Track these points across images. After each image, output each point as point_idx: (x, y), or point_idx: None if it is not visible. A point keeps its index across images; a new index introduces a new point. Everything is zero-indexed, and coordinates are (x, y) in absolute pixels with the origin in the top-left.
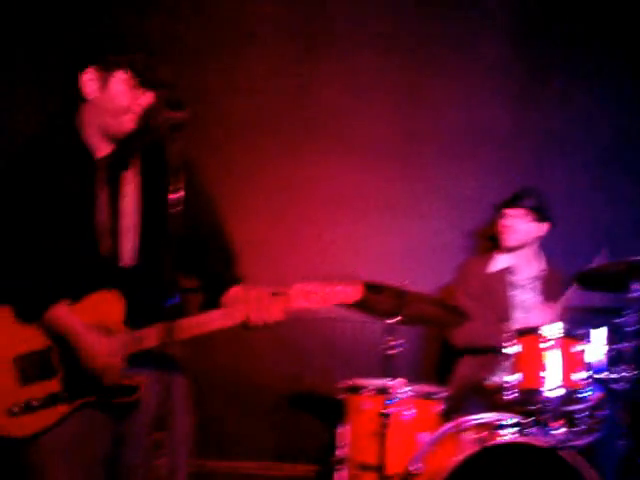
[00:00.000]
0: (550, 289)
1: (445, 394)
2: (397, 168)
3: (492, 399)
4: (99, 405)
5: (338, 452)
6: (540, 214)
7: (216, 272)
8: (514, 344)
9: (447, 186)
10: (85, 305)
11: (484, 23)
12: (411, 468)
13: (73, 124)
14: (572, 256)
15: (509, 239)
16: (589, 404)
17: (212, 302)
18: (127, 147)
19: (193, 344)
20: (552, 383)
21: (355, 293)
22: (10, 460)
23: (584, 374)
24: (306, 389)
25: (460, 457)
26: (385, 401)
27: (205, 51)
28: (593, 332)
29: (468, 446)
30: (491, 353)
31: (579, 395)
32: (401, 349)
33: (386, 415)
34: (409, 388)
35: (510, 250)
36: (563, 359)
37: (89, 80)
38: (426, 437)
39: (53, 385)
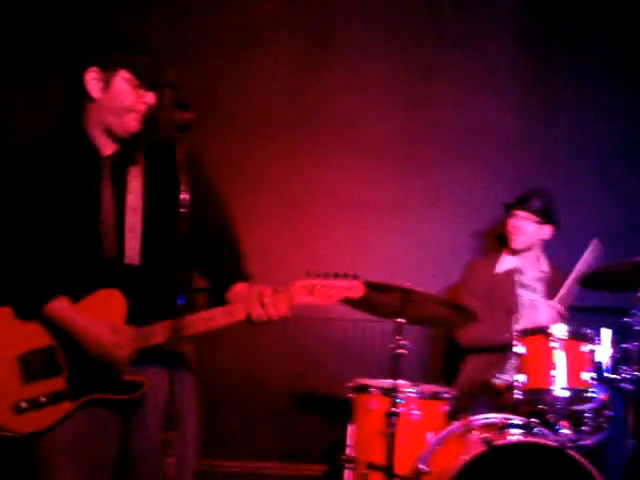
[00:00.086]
0: (553, 290)
1: (452, 394)
2: (403, 169)
3: (499, 399)
4: (104, 403)
5: (346, 452)
6: (548, 216)
7: (222, 269)
8: (521, 344)
9: (453, 187)
10: (86, 304)
11: (490, 25)
12: (419, 467)
13: (80, 123)
14: (576, 257)
15: (517, 240)
16: (596, 404)
17: (218, 299)
18: (132, 146)
19: (200, 344)
20: (559, 383)
21: (357, 289)
22: (16, 459)
23: (591, 374)
24: (314, 389)
25: (467, 457)
26: (393, 401)
27: (212, 53)
28: (600, 332)
29: (475, 446)
30: (498, 352)
31: (586, 395)
32: (408, 349)
33: (394, 415)
34: (416, 388)
35: (518, 252)
36: (570, 359)
37: (92, 79)
38: (434, 437)
39: (57, 383)
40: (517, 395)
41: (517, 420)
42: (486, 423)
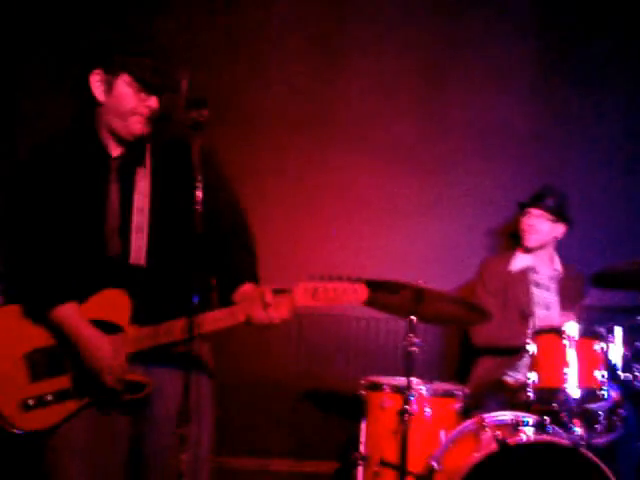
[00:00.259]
0: (566, 289)
1: (464, 392)
2: (415, 169)
3: (512, 397)
4: (110, 403)
5: (359, 449)
6: (561, 215)
7: (231, 269)
8: (533, 342)
9: (465, 186)
10: (91, 303)
11: (502, 25)
12: (432, 465)
13: (92, 125)
14: (589, 256)
15: (531, 239)
16: (609, 403)
17: (224, 300)
18: (140, 147)
19: (211, 342)
20: (572, 382)
21: (361, 293)
22: (25, 457)
23: (604, 372)
24: (326, 386)
25: (480, 455)
26: (405, 398)
27: (227, 52)
28: (612, 331)
29: (488, 444)
30: (511, 352)
31: (599, 394)
32: (421, 347)
33: (407, 412)
34: (429, 386)
35: (531, 250)
36: (583, 358)
37: (96, 82)
38: (446, 435)
39: (63, 381)
40: (529, 394)
41: (530, 419)
42: (499, 421)
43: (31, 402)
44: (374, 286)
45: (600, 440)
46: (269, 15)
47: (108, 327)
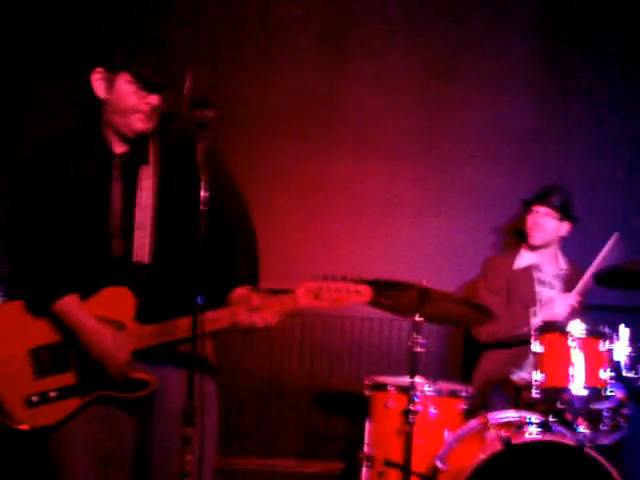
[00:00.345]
0: (571, 288)
1: (469, 392)
2: (420, 168)
3: (517, 396)
4: (113, 400)
5: (363, 449)
6: (567, 213)
7: (227, 272)
8: (539, 342)
9: (471, 185)
10: (95, 301)
11: (508, 24)
12: (436, 465)
13: (97, 122)
14: (593, 255)
15: (537, 237)
16: (614, 402)
17: (219, 302)
18: (144, 145)
19: (217, 341)
20: (577, 381)
21: (365, 294)
22: (30, 454)
23: (609, 372)
24: (331, 387)
25: (485, 455)
26: (410, 398)
27: (233, 51)
28: (618, 330)
29: (493, 444)
30: (515, 348)
31: (604, 393)
32: (426, 347)
33: (412, 412)
34: (434, 386)
35: (536, 248)
36: (588, 357)
37: (97, 80)
38: (451, 435)
39: (67, 378)
40: (535, 393)
41: (535, 418)
42: (504, 421)
43: (35, 398)
44: (378, 286)
45: (605, 440)
46: (276, 14)
47: (111, 325)
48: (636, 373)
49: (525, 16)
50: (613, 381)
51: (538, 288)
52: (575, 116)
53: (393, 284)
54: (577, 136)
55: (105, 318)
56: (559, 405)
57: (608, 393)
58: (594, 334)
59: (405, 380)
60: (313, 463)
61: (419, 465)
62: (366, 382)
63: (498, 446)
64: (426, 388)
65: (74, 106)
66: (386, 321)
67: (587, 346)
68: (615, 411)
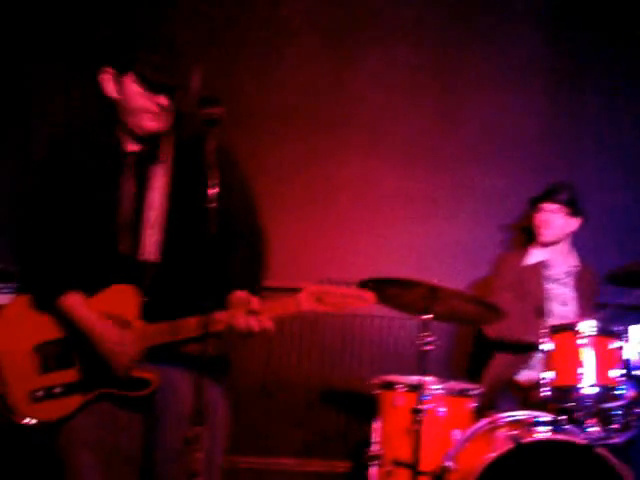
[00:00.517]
0: (583, 285)
1: (478, 391)
2: (428, 166)
3: (526, 396)
4: (116, 398)
5: (372, 448)
6: (574, 208)
7: (231, 274)
8: (549, 340)
9: (479, 183)
10: (100, 298)
11: (517, 21)
12: (445, 465)
13: (109, 120)
14: (601, 253)
15: (546, 234)
16: (625, 401)
17: (220, 303)
18: (156, 144)
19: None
20: (588, 380)
21: (368, 300)
22: (35, 450)
23: (620, 371)
24: (339, 385)
25: (495, 454)
26: (419, 397)
27: (240, 48)
28: (628, 329)
29: (503, 443)
30: (525, 350)
31: (615, 392)
32: (434, 345)
33: (420, 411)
34: (443, 384)
35: (546, 245)
36: (599, 356)
37: (106, 81)
38: (460, 434)
39: (71, 374)
40: (545, 392)
41: (545, 417)
42: (513, 420)
43: (40, 393)
44: (387, 284)
45: (616, 439)
46: (282, 10)
47: (116, 321)
48: None
49: (536, 16)
50: (624, 379)
51: (550, 286)
52: (585, 117)
53: (400, 282)
54: (587, 137)
55: (110, 315)
56: (570, 404)
57: (619, 392)
58: (605, 333)
59: (414, 379)
60: (321, 462)
61: (428, 464)
62: (375, 381)
63: (508, 445)
64: (435, 387)
65: (81, 107)
66: (395, 319)
67: (598, 345)
68: (626, 410)
